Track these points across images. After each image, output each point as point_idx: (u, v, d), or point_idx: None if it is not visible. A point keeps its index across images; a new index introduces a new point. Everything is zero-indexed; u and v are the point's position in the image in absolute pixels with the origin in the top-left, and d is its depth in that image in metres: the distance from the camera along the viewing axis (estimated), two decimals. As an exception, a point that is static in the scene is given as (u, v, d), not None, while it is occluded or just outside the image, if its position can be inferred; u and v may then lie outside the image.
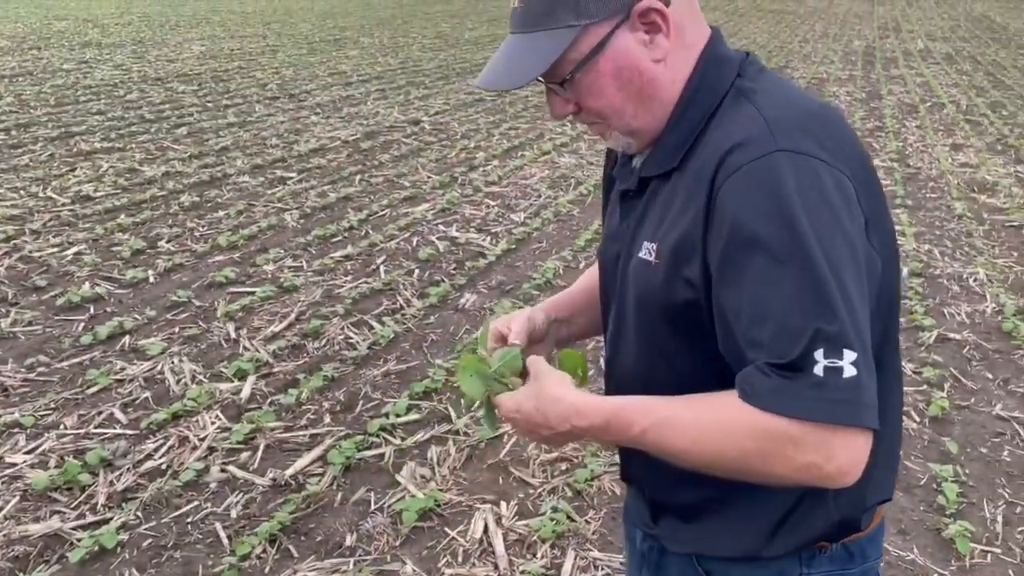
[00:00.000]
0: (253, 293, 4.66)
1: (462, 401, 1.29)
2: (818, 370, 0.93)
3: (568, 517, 2.91)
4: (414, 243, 5.52)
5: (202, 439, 3.33)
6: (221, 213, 6.05)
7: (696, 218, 1.03)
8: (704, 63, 1.11)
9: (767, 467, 0.98)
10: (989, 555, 2.79)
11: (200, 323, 4.32)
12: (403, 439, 3.36)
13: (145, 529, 2.83)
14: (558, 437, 1.12)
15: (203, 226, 5.79)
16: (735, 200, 0.98)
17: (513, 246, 5.48)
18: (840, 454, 0.95)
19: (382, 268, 5.09)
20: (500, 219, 6.05)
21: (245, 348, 4.06)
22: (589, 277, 1.47)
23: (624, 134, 1.13)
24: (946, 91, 11.68)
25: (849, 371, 0.93)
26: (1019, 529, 2.92)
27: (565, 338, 1.41)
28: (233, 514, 2.91)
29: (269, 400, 3.61)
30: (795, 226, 0.95)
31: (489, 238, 5.64)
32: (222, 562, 2.66)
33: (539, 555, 2.75)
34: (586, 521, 2.92)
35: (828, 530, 1.14)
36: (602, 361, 1.43)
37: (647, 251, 1.11)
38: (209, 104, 9.92)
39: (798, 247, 0.95)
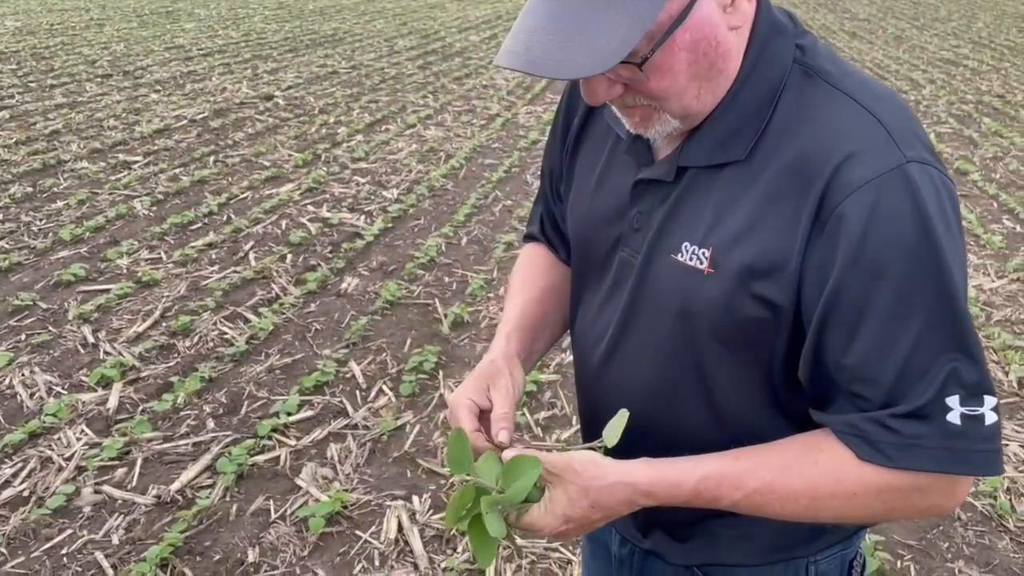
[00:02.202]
0: (108, 291, 4.23)
1: (476, 549, 1.00)
2: (953, 418, 0.85)
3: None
4: (283, 226, 5.19)
5: (68, 458, 2.97)
6: (60, 203, 5.49)
7: (790, 232, 0.88)
8: (760, 29, 0.93)
9: (887, 516, 0.93)
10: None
11: (50, 328, 3.88)
12: (298, 439, 3.12)
13: (13, 567, 2.49)
14: (613, 518, 0.98)
15: (41, 219, 5.22)
16: (862, 220, 0.84)
17: (390, 225, 5.26)
18: (962, 492, 0.90)
19: (251, 255, 4.76)
20: (372, 197, 5.79)
21: (106, 352, 3.67)
22: (535, 277, 1.27)
23: (676, 117, 0.93)
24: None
25: (990, 418, 0.86)
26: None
27: (528, 371, 1.22)
28: (115, 540, 2.61)
29: (141, 408, 3.28)
30: (937, 255, 0.84)
31: (363, 217, 5.39)
32: (109, 597, 2.38)
33: (460, 549, 2.61)
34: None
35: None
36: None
37: (692, 256, 0.95)
38: (32, 84, 9.03)
39: (938, 279, 0.84)
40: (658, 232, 0.99)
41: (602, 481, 0.94)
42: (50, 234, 4.97)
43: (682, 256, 0.96)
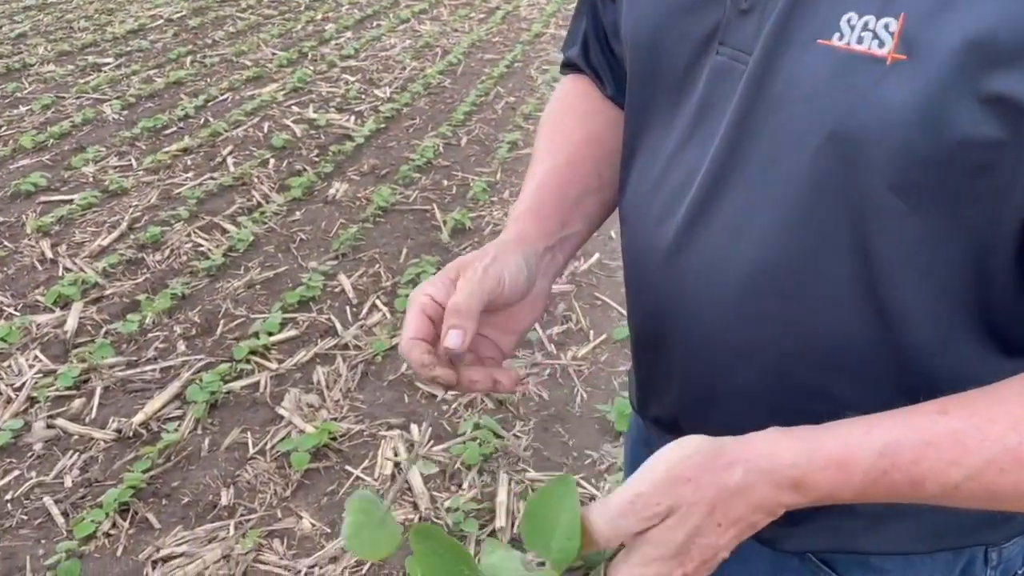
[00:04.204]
0: (71, 201, 3.82)
1: None
2: None
3: (494, 434, 2.44)
4: (265, 129, 4.73)
5: (18, 388, 2.61)
6: (22, 109, 5.02)
7: None
8: None
9: None
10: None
11: (5, 242, 3.49)
12: (280, 362, 2.76)
13: (-53, 517, 2.16)
14: (744, 537, 0.59)
15: (0, 125, 4.77)
16: None
17: (382, 125, 4.79)
18: None
19: (230, 160, 4.31)
20: (363, 96, 5.30)
21: (66, 269, 3.28)
22: (568, 127, 0.86)
23: None
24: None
25: None
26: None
27: (559, 270, 0.80)
28: (68, 482, 2.27)
29: (104, 330, 2.90)
30: None
31: (353, 118, 4.91)
32: (56, 549, 2.04)
33: (466, 485, 2.27)
34: (515, 436, 2.46)
35: None
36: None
37: (863, 34, 0.54)
38: (-3, -15, 8.40)
39: None
40: (791, 6, 0.57)
41: (731, 478, 0.55)
42: (10, 141, 4.52)
43: (841, 38, 0.55)
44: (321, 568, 2.03)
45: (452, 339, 0.65)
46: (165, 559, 2.03)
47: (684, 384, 0.75)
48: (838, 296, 0.61)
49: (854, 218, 0.58)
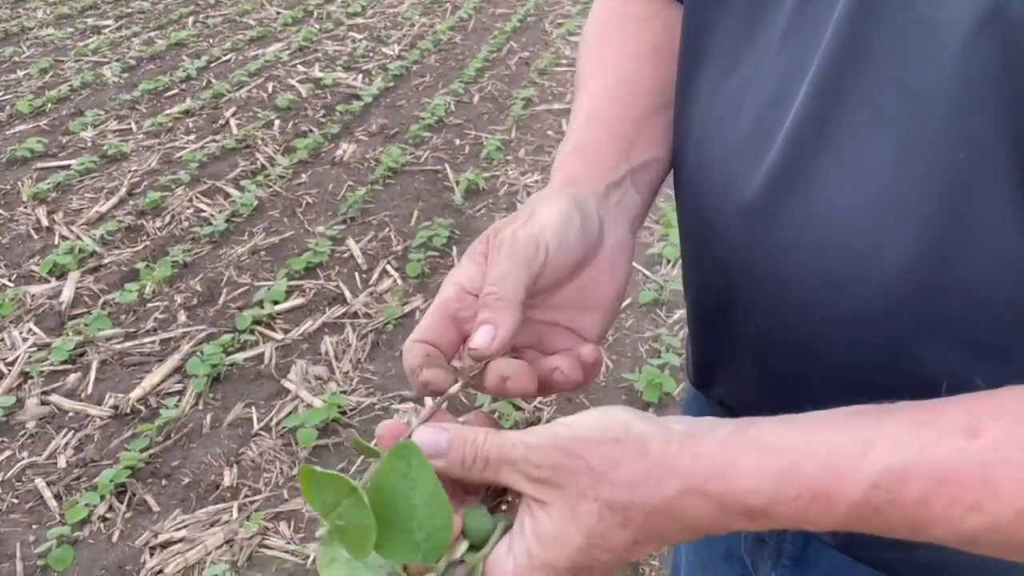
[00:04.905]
0: (68, 167, 3.66)
1: None
2: None
3: (513, 406, 2.28)
4: (270, 89, 4.54)
5: (11, 363, 2.48)
6: (20, 73, 4.85)
7: None
8: None
9: None
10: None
11: (0, 211, 3.35)
12: (286, 332, 2.61)
13: (-67, 501, 2.03)
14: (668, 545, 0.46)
15: (-4, 91, 4.62)
16: None
17: (391, 84, 4.59)
18: None
19: (233, 122, 4.14)
20: (370, 54, 5.10)
21: (62, 237, 3.13)
22: (618, 40, 0.67)
23: None
24: None
25: None
26: None
27: (639, 211, 0.61)
28: (61, 462, 2.14)
29: (102, 301, 2.76)
30: None
31: (361, 76, 4.72)
32: (48, 535, 1.91)
33: (484, 462, 2.12)
34: (536, 408, 2.30)
35: None
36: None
37: None
38: (-4, -51, 8.20)
39: None
40: None
41: (658, 491, 0.41)
42: (7, 106, 4.36)
43: None
44: (330, 553, 1.89)
45: (479, 337, 0.49)
46: (164, 544, 1.90)
47: (763, 362, 0.58)
48: (994, 239, 0.44)
49: (1017, 129, 0.41)
